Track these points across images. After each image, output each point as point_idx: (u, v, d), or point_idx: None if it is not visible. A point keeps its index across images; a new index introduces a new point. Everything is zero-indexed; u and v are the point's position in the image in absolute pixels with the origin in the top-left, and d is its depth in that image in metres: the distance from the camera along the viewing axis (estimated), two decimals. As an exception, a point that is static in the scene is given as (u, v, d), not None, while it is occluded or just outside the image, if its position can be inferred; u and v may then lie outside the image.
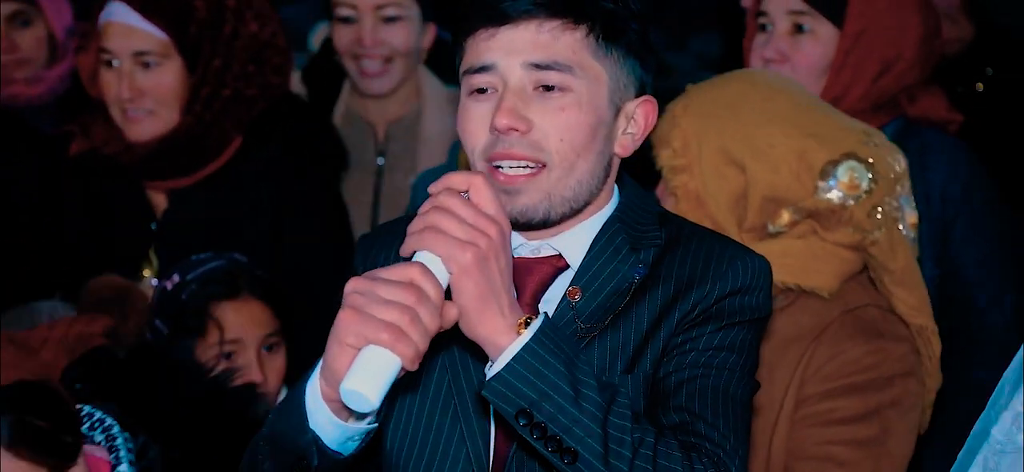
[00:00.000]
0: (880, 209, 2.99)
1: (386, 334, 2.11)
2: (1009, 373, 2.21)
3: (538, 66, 2.35)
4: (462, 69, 2.42)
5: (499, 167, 2.36)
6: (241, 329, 3.47)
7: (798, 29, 3.58)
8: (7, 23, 4.39)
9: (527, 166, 2.36)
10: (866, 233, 2.98)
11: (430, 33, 4.33)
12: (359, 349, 2.13)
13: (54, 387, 2.69)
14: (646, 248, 2.43)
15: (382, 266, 2.33)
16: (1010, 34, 4.58)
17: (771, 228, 2.97)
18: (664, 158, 3.01)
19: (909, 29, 3.58)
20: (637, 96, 2.45)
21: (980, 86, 4.61)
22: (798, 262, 2.96)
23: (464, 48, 2.42)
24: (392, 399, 2.41)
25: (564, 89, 2.36)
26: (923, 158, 3.54)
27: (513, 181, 2.35)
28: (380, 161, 4.34)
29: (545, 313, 2.26)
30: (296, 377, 3.35)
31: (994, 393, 2.25)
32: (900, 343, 2.95)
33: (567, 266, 2.44)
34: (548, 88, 2.36)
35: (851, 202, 2.97)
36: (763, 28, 3.62)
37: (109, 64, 3.75)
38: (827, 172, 2.97)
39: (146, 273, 3.76)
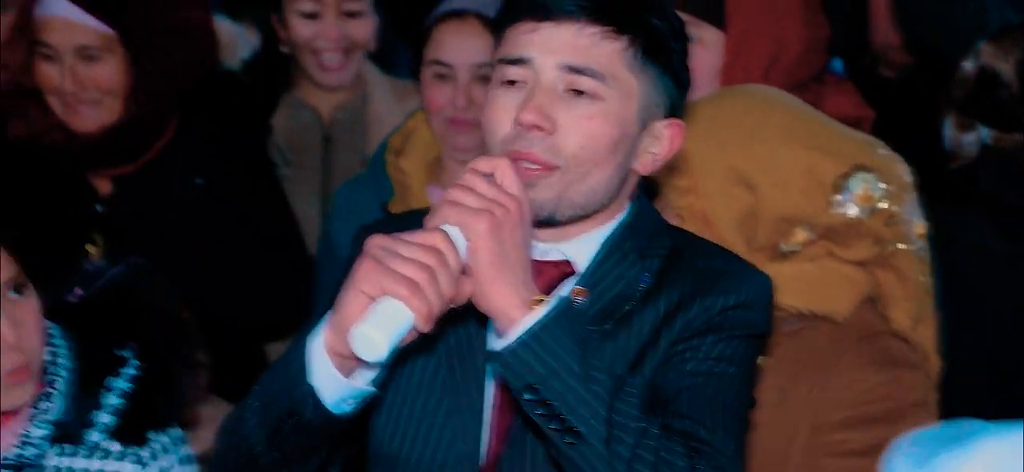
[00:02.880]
0: (895, 219, 2.94)
1: (404, 288, 2.13)
2: None
3: (572, 68, 2.34)
4: (497, 57, 2.42)
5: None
6: None
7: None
8: None
9: (538, 166, 2.34)
10: (886, 244, 2.93)
11: (374, 24, 4.41)
12: (374, 299, 2.15)
13: None
14: (652, 257, 2.43)
15: None
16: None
17: (784, 248, 2.93)
18: (668, 180, 2.96)
19: (789, 22, 3.61)
20: (667, 117, 2.44)
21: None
22: (811, 286, 2.92)
23: (503, 37, 2.41)
24: (385, 385, 2.42)
25: (594, 96, 2.35)
26: None
27: (528, 174, 2.33)
28: (327, 143, 4.42)
29: (561, 296, 2.27)
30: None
31: None
32: (915, 372, 2.92)
33: (574, 272, 2.43)
34: (578, 92, 2.35)
35: (866, 215, 2.91)
36: None
37: (48, 57, 3.73)
38: (839, 186, 2.92)
39: (92, 252, 3.75)
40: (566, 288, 2.42)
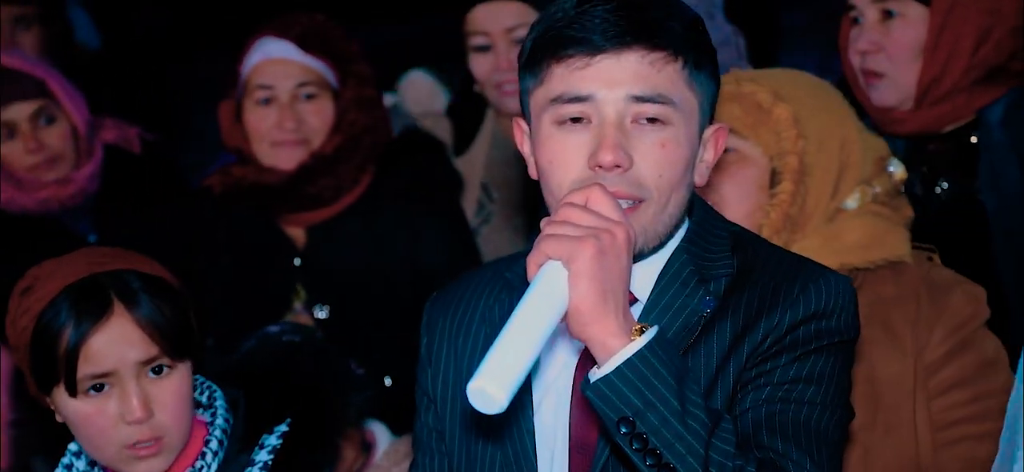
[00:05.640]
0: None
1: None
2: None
3: (641, 99, 2.28)
4: (546, 97, 2.33)
5: None
6: None
7: (887, 15, 3.49)
8: (30, 122, 4.22)
9: (626, 203, 2.28)
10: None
11: None
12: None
13: (179, 289, 2.84)
14: (716, 279, 2.34)
15: (448, 334, 2.50)
16: None
17: (849, 203, 3.00)
18: (766, 141, 2.98)
19: None
20: (711, 123, 2.40)
21: None
22: (874, 236, 2.97)
23: (546, 74, 2.33)
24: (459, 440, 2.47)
25: (664, 122, 2.29)
26: None
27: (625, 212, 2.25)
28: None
29: (658, 325, 2.20)
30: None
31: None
32: (974, 285, 2.99)
33: (635, 300, 2.35)
34: (649, 121, 2.29)
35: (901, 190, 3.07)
36: (855, 22, 3.55)
37: (266, 101, 3.95)
38: (886, 162, 3.05)
39: (297, 304, 3.93)
40: None
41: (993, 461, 2.75)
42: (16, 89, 4.24)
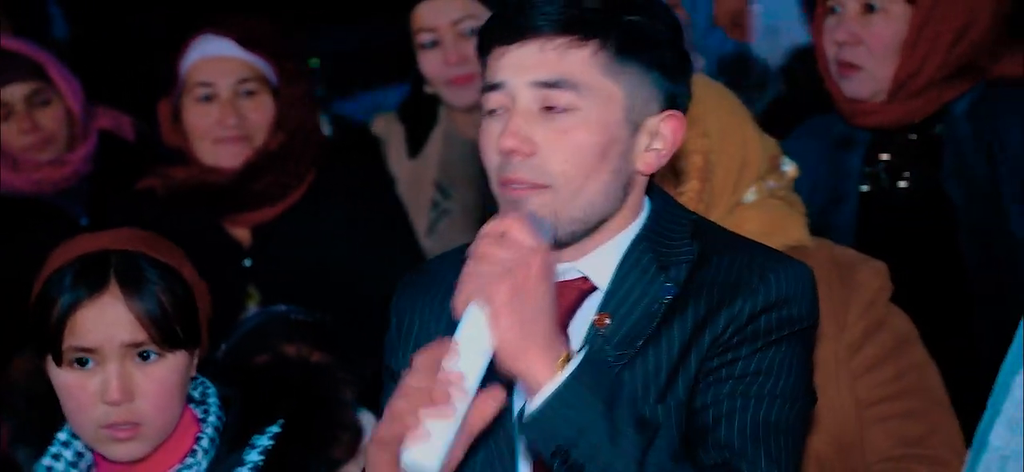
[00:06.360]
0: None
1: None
2: (999, 377, 2.25)
3: (543, 84, 2.29)
4: (481, 88, 2.39)
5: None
6: None
7: (868, 9, 3.49)
8: (26, 103, 4.27)
9: (532, 187, 2.30)
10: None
11: None
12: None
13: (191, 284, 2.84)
14: (676, 265, 2.34)
15: (418, 313, 2.49)
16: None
17: (748, 197, 3.03)
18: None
19: None
20: (662, 111, 2.35)
21: None
22: (774, 222, 2.99)
23: (484, 65, 2.38)
24: None
25: (570, 109, 2.29)
26: (998, 120, 3.49)
27: (520, 194, 2.30)
28: (484, 172, 4.44)
29: (586, 349, 2.22)
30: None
31: (990, 399, 2.28)
32: (875, 261, 3.04)
33: (594, 288, 2.37)
34: (556, 107, 2.29)
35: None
36: (832, 11, 3.53)
37: (206, 98, 3.95)
38: (779, 160, 3.10)
39: (251, 305, 3.90)
40: (588, 306, 2.35)
41: (920, 437, 2.92)
42: (13, 71, 4.28)
